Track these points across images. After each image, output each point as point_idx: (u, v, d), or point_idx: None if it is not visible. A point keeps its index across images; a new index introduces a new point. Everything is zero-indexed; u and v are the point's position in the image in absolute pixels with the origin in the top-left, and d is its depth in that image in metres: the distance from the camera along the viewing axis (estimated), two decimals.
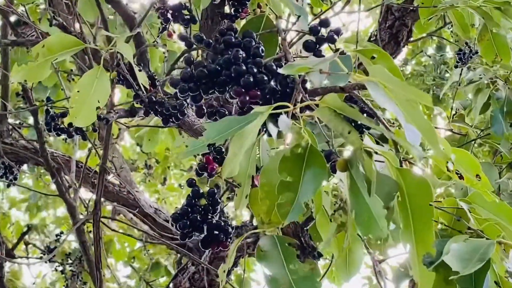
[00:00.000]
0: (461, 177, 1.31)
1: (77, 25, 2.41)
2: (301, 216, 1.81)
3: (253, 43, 1.29)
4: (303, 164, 1.06)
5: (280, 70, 1.10)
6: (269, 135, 1.24)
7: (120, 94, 4.56)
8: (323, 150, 1.20)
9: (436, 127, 3.50)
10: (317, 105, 1.15)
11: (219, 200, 1.63)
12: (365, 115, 1.64)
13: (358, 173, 1.05)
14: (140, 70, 1.80)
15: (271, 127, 1.14)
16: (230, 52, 1.26)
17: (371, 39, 3.52)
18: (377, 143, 1.52)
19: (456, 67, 3.30)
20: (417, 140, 1.04)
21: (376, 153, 1.09)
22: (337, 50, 1.31)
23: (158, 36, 2.55)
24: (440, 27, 3.82)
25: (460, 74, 3.03)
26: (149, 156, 6.52)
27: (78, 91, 1.51)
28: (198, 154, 1.70)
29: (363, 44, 1.91)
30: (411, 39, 3.54)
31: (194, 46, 1.40)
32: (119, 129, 4.22)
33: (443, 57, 4.77)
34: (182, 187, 6.46)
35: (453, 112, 3.29)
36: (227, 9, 2.10)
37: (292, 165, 1.06)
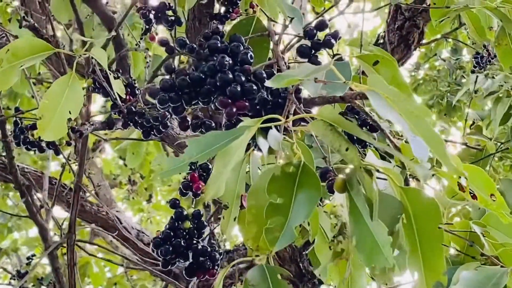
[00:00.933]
0: (474, 197, 1.30)
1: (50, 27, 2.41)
2: (299, 240, 1.80)
3: (241, 49, 1.29)
4: (295, 184, 1.05)
5: (267, 83, 1.09)
6: (260, 151, 1.24)
7: (100, 102, 4.56)
8: (318, 167, 1.19)
9: (447, 141, 3.50)
10: (312, 118, 1.14)
11: (206, 222, 1.62)
12: (368, 127, 1.66)
13: (358, 194, 1.04)
14: (117, 77, 1.80)
15: (261, 142, 1.13)
16: (215, 59, 1.25)
17: (379, 41, 3.52)
18: (383, 158, 1.52)
19: (473, 72, 3.30)
20: (425, 155, 1.03)
21: (378, 171, 1.08)
22: (335, 55, 1.31)
23: (141, 39, 2.56)
24: (456, 28, 3.83)
25: (476, 80, 3.02)
26: (133, 170, 6.50)
27: (47, 101, 1.50)
28: (191, 169, 1.70)
29: (368, 48, 1.90)
30: (423, 41, 3.54)
31: (177, 51, 1.39)
32: (99, 141, 4.21)
33: (459, 61, 4.77)
34: None
35: (469, 122, 3.29)
36: (217, 8, 2.10)
37: (282, 186, 1.05)
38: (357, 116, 1.69)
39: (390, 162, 1.65)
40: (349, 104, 1.62)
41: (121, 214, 3.59)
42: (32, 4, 3.48)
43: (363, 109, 1.30)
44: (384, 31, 3.44)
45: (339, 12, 2.69)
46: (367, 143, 1.62)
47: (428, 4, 2.98)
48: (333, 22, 5.70)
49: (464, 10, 2.17)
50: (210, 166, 1.62)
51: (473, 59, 3.29)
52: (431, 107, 4.80)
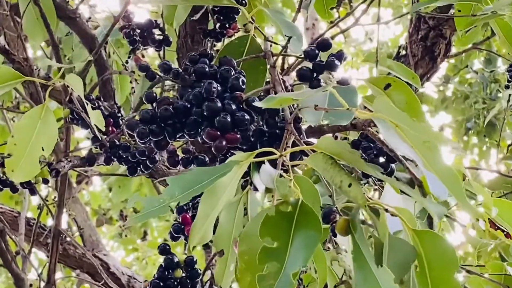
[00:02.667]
0: (508, 235, 1.31)
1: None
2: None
3: (232, 73, 1.30)
4: (292, 225, 1.05)
5: (256, 104, 1.10)
6: (256, 189, 1.25)
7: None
8: (322, 207, 1.20)
9: (478, 168, 3.48)
10: (314, 150, 1.15)
11: (199, 270, 1.63)
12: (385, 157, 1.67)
13: (362, 238, 1.05)
14: (97, 107, 1.81)
15: (256, 179, 1.15)
16: (202, 85, 1.26)
17: (400, 54, 3.54)
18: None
19: (507, 87, 3.29)
20: (443, 192, 1.04)
21: (387, 210, 1.09)
22: (341, 80, 1.33)
23: (128, 57, 2.58)
24: (488, 37, 3.83)
25: (510, 97, 3.01)
26: (125, 204, 6.50)
27: (15, 137, 1.51)
28: (173, 212, 1.71)
29: (386, 63, 1.91)
30: (451, 52, 3.55)
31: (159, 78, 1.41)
32: (87, 175, 4.22)
33: (494, 73, 4.75)
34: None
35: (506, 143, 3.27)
36: (211, 24, 2.12)
37: (277, 227, 1.05)
38: (372, 145, 1.71)
39: (410, 196, 1.65)
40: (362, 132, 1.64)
41: (109, 257, 3.58)
42: (5, 22, 3.51)
43: (378, 137, 1.31)
44: (406, 42, 3.45)
45: (355, 21, 2.71)
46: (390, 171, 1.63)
47: (453, 12, 2.98)
48: (349, 32, 5.74)
49: (492, 18, 2.17)
50: None
51: (507, 73, 3.28)
52: (469, 130, 4.80)
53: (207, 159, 1.66)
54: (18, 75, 1.59)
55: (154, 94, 1.31)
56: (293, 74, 1.87)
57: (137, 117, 1.29)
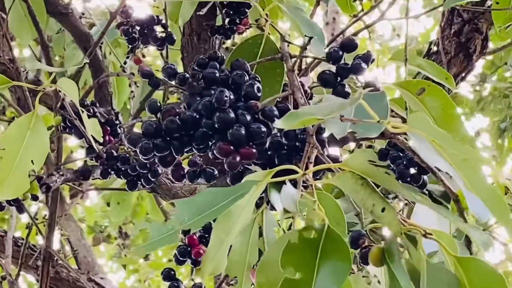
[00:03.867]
0: None
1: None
2: None
3: (246, 78, 1.28)
4: (317, 254, 1.04)
5: (275, 124, 1.08)
6: (273, 209, 1.23)
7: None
8: (350, 230, 1.18)
9: None
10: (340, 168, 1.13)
11: None
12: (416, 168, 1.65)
13: (399, 268, 1.02)
14: (93, 114, 1.80)
15: (274, 199, 1.13)
16: (212, 93, 1.23)
17: (431, 51, 3.51)
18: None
19: None
20: (485, 214, 1.02)
21: (425, 236, 1.07)
22: (367, 84, 1.31)
23: (127, 57, 2.56)
24: None
25: None
26: (124, 220, 6.48)
27: (2, 149, 1.49)
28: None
29: (416, 62, 1.89)
30: (488, 49, 3.52)
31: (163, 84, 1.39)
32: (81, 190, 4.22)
33: None
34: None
35: None
36: (220, 20, 2.10)
37: (301, 256, 1.03)
38: (401, 154, 1.69)
39: (447, 208, 1.64)
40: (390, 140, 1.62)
41: (106, 281, 3.58)
42: None
43: (409, 146, 1.29)
44: (438, 38, 3.42)
45: (381, 15, 2.69)
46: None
47: (490, 4, 2.96)
48: (374, 27, 5.71)
49: None
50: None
51: None
52: (504, 131, 4.78)
53: (216, 172, 1.64)
54: (4, 79, 1.57)
55: (159, 104, 1.28)
56: (312, 74, 1.86)
57: (137, 129, 1.27)
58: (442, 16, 3.39)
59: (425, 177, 1.66)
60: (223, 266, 1.10)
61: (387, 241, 1.05)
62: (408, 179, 1.66)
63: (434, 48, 3.50)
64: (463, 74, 3.42)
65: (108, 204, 5.52)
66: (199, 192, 1.14)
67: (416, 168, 1.66)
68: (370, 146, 2.00)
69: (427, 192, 1.68)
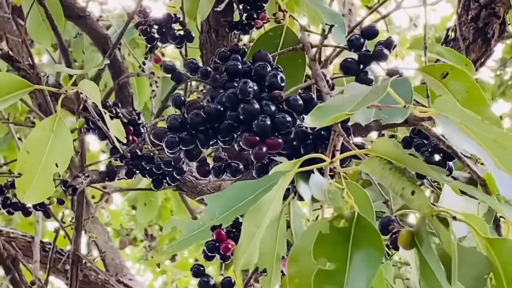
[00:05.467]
0: None
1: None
2: None
3: (269, 69, 1.27)
4: (349, 243, 1.03)
5: (305, 122, 1.07)
6: (301, 199, 1.22)
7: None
8: (378, 216, 1.17)
9: None
10: (366, 154, 1.12)
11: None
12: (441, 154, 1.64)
13: (430, 251, 1.01)
14: (115, 115, 1.79)
15: (302, 189, 1.12)
16: (236, 85, 1.23)
17: (448, 38, 3.49)
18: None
19: None
20: None
21: (455, 218, 1.06)
22: (391, 71, 1.30)
23: (145, 58, 2.57)
24: None
25: None
26: (150, 222, 6.48)
27: (26, 153, 1.49)
28: None
29: (435, 49, 1.88)
30: (507, 33, 3.49)
31: (186, 78, 1.38)
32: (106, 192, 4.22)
33: None
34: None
35: None
36: (237, 15, 2.10)
37: (333, 246, 1.02)
38: (425, 141, 1.68)
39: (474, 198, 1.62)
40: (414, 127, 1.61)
41: (135, 282, 3.58)
42: (7, 25, 3.52)
43: (433, 133, 1.28)
44: (455, 24, 3.40)
45: (397, 5, 2.68)
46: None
47: None
48: (390, 18, 5.68)
49: None
50: (241, 220, 1.60)
51: None
52: None
53: (241, 166, 1.64)
54: (26, 83, 1.57)
55: (183, 98, 1.28)
56: (330, 68, 1.85)
57: (160, 124, 1.27)
58: (459, 2, 3.37)
59: (450, 163, 1.64)
60: (255, 259, 1.09)
61: (417, 225, 1.04)
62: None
63: (452, 35, 3.48)
64: (482, 60, 3.39)
65: (133, 207, 5.53)
66: (225, 188, 1.13)
67: (441, 154, 1.65)
68: (392, 136, 1.98)
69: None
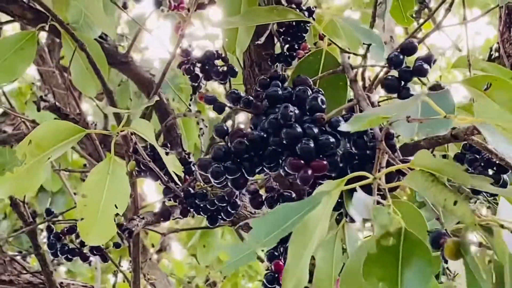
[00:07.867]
0: None
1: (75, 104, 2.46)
2: None
3: (309, 93, 1.29)
4: (399, 260, 1.02)
5: (341, 128, 1.08)
6: (352, 221, 1.22)
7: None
8: (429, 231, 1.17)
9: None
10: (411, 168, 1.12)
11: None
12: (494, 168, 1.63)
13: (472, 260, 1.01)
14: (168, 153, 1.80)
15: (352, 209, 1.12)
16: (277, 110, 1.24)
17: (492, 57, 3.46)
18: None
19: None
20: None
21: (503, 226, 1.04)
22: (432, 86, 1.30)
23: (190, 100, 2.59)
24: None
25: None
26: (210, 268, 6.46)
27: (85, 197, 1.50)
28: (262, 261, 1.69)
29: (479, 66, 1.87)
30: None
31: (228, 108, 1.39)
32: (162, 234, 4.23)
33: None
34: None
35: None
36: (278, 48, 2.11)
37: (382, 265, 1.01)
38: (478, 156, 1.67)
39: None
40: (465, 142, 1.60)
41: None
42: (52, 80, 3.58)
43: (485, 145, 1.28)
44: (497, 42, 3.38)
45: (435, 26, 2.67)
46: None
47: None
48: (433, 44, 5.64)
49: None
50: None
51: None
52: None
53: (294, 195, 1.64)
54: (79, 129, 1.57)
55: (225, 127, 1.29)
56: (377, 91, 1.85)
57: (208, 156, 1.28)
58: (500, 20, 3.35)
59: (505, 176, 1.63)
60: (305, 281, 1.08)
61: (461, 234, 1.03)
62: None
63: (495, 54, 3.46)
64: None
65: (193, 255, 5.53)
66: None
67: (494, 168, 1.64)
68: (444, 156, 1.97)
69: None
